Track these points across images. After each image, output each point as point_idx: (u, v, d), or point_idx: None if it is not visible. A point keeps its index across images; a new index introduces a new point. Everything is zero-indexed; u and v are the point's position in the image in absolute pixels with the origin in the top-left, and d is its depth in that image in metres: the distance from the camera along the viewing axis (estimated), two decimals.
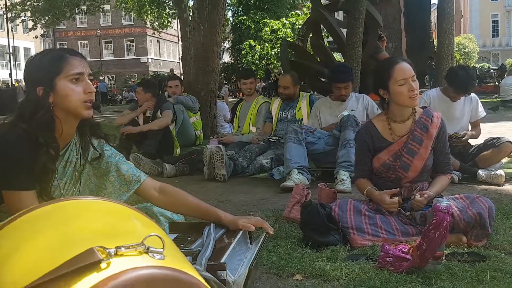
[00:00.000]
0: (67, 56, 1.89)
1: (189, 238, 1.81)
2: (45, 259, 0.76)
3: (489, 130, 7.59)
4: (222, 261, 1.52)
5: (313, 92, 5.42)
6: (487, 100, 12.58)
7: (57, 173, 1.95)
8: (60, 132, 1.90)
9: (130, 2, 24.98)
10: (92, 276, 0.71)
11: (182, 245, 1.64)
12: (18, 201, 1.78)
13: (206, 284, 0.79)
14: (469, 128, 4.50)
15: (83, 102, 1.88)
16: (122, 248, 0.76)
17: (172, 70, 30.89)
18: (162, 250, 0.79)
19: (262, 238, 1.89)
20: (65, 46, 49.32)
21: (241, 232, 1.85)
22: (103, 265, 0.73)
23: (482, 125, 4.70)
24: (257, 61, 30.91)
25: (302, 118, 5.05)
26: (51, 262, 0.74)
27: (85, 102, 1.89)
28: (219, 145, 4.75)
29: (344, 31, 6.68)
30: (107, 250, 0.75)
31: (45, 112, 1.83)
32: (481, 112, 4.48)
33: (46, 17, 22.97)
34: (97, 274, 0.71)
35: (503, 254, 2.38)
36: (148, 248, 0.78)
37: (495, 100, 12.93)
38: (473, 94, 4.50)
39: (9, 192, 1.81)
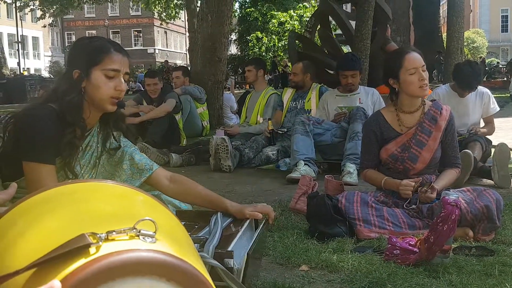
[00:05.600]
0: (111, 50, 1.94)
1: (196, 226, 1.81)
2: (51, 240, 0.77)
3: (498, 126, 7.52)
4: (229, 249, 1.52)
5: (323, 84, 5.36)
6: (495, 95, 12.50)
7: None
8: (88, 115, 1.97)
9: None
10: (80, 260, 0.71)
11: (189, 233, 1.63)
12: (37, 173, 1.83)
13: (201, 270, 0.78)
14: (481, 124, 4.43)
15: (110, 97, 1.94)
16: (114, 233, 0.77)
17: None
18: (153, 233, 0.79)
19: (261, 226, 1.89)
20: (73, 36, 49.70)
21: (248, 221, 1.85)
22: (92, 249, 0.73)
23: None
24: (264, 53, 30.82)
25: (311, 109, 5.02)
26: (55, 243, 0.75)
27: (112, 97, 1.95)
28: (224, 136, 4.73)
29: (353, 23, 6.64)
30: (98, 235, 0.75)
31: (76, 95, 1.90)
32: (493, 108, 4.37)
33: (55, 6, 23.01)
34: (84, 259, 0.72)
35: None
36: (139, 232, 0.78)
37: (504, 95, 12.84)
38: (485, 89, 4.41)
39: (29, 163, 1.85)
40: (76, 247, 0.72)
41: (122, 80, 1.97)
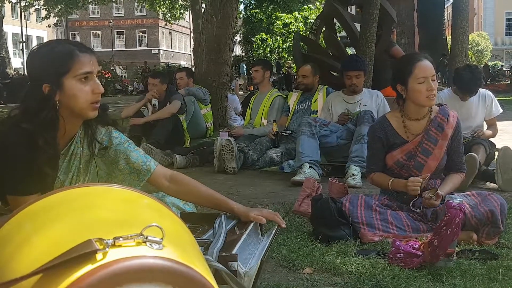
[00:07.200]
0: (76, 52, 1.79)
1: (200, 229, 1.81)
2: (57, 246, 0.77)
3: (502, 129, 7.50)
4: (233, 252, 1.52)
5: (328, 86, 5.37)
6: (499, 98, 12.44)
7: (61, 168, 1.92)
8: (63, 132, 1.86)
9: None
10: (86, 266, 0.71)
11: (193, 235, 1.64)
12: (20, 205, 1.75)
13: (207, 277, 0.78)
14: (485, 127, 4.42)
15: (90, 103, 1.82)
16: (121, 239, 0.77)
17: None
18: (160, 240, 0.79)
19: (273, 231, 1.88)
20: (78, 36, 49.79)
21: (252, 224, 1.84)
22: (99, 255, 0.73)
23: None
24: (268, 55, 30.86)
25: (317, 110, 5.02)
26: (62, 249, 0.75)
27: (92, 103, 1.83)
28: (229, 138, 4.74)
29: (358, 25, 6.63)
30: (105, 241, 0.75)
31: (49, 111, 1.76)
32: (496, 110, 4.35)
33: (59, 6, 23.08)
34: (91, 265, 0.71)
35: None
36: (146, 238, 0.78)
37: (508, 98, 12.79)
38: (487, 92, 4.40)
39: (13, 197, 1.78)
40: (82, 253, 0.72)
41: (97, 81, 1.85)
